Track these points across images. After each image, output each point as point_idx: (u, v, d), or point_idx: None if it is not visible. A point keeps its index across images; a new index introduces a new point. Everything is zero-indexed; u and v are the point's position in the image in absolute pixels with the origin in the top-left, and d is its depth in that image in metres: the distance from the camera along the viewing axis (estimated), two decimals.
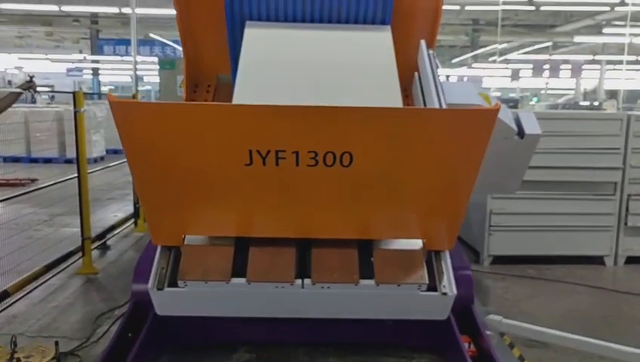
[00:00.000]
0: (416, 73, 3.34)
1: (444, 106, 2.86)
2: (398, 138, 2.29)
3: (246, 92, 2.81)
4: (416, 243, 2.76)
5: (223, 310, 2.84)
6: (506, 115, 3.60)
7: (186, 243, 2.71)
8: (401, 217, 2.69)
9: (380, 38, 3.23)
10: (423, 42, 3.29)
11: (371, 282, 2.65)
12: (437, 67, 3.15)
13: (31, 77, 4.93)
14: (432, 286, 2.72)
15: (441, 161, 2.41)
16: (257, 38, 3.14)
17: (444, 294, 2.68)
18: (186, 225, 2.68)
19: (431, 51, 3.24)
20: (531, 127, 3.70)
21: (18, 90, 4.79)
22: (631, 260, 6.08)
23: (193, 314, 2.90)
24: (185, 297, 2.68)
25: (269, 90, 2.89)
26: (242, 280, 2.61)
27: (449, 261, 2.79)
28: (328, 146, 2.27)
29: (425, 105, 3.07)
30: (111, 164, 8.03)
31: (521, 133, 3.66)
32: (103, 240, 6.31)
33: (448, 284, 2.70)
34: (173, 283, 2.68)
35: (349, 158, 2.29)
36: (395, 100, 2.88)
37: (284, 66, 3.04)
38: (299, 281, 2.64)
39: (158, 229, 2.71)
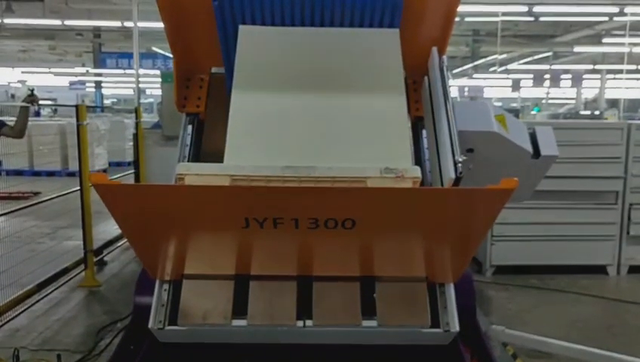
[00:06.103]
0: (425, 78, 3.18)
1: (455, 136, 2.66)
2: (403, 212, 2.21)
3: (238, 151, 2.64)
4: (420, 278, 2.71)
5: (224, 340, 2.86)
6: (520, 135, 3.36)
7: (184, 281, 2.68)
8: (405, 263, 2.67)
9: (391, 75, 2.93)
10: (434, 49, 3.07)
11: (373, 322, 2.63)
12: (448, 78, 2.96)
13: (31, 90, 4.97)
14: (435, 315, 2.69)
15: (449, 229, 2.37)
16: (249, 76, 2.85)
17: (447, 331, 2.66)
18: (184, 268, 2.68)
19: (445, 65, 3.01)
20: (548, 147, 3.47)
21: (24, 104, 4.84)
22: (634, 269, 6.06)
23: (195, 341, 2.91)
24: (186, 332, 2.71)
25: (264, 145, 2.68)
26: (243, 321, 2.60)
27: (453, 294, 2.72)
28: (329, 215, 2.17)
29: (435, 126, 2.94)
30: (114, 177, 8.05)
31: (536, 153, 3.44)
32: (103, 254, 6.31)
33: (451, 321, 2.66)
34: (174, 314, 2.67)
35: (352, 223, 2.19)
36: (404, 154, 2.68)
37: (278, 114, 2.78)
38: (300, 322, 2.62)
39: (154, 271, 2.72)
